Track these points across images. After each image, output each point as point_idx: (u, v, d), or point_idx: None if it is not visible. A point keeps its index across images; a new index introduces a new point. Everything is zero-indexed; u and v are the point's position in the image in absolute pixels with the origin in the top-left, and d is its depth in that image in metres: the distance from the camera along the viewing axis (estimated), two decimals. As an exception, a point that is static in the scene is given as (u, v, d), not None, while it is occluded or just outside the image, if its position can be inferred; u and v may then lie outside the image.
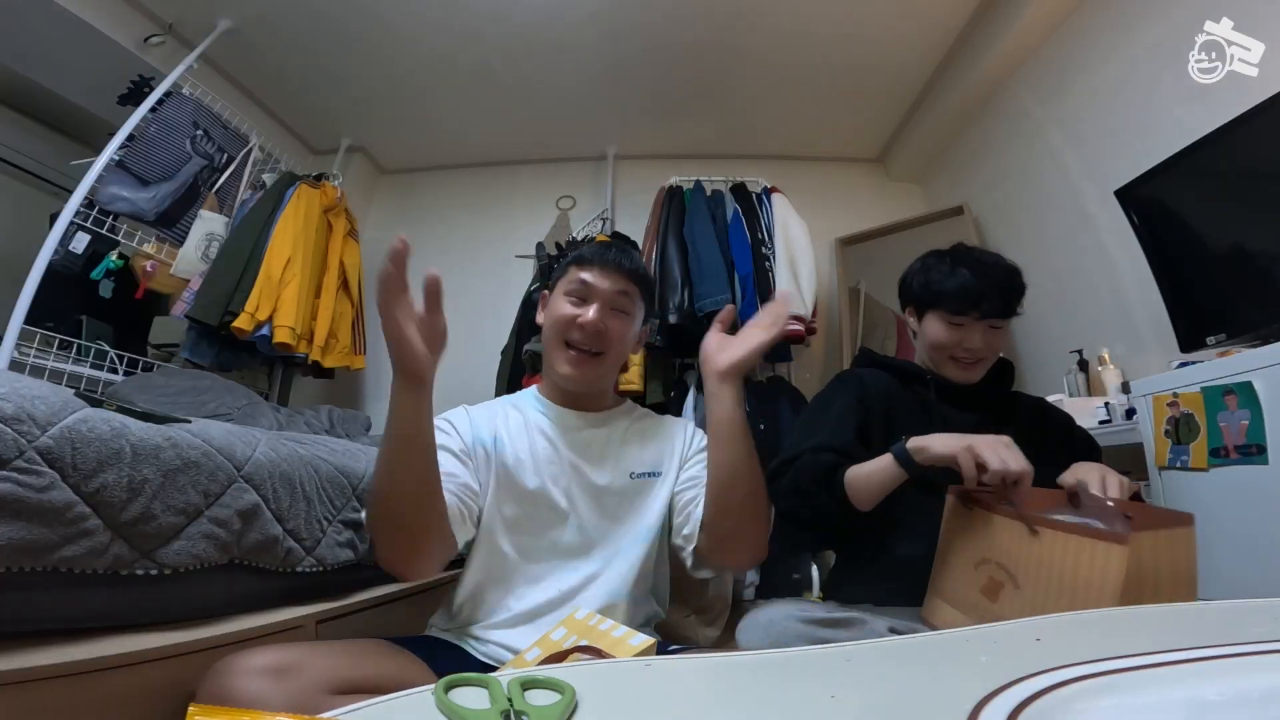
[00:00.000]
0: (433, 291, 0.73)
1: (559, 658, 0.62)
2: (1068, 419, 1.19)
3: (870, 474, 0.93)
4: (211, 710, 0.26)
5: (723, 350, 0.89)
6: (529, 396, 1.06)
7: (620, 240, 2.68)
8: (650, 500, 0.98)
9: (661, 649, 0.77)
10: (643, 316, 1.04)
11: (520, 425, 1.00)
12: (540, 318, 1.05)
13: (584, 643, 0.65)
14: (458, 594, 0.93)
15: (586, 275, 0.98)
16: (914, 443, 0.89)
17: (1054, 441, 1.09)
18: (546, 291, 1.05)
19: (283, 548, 1.02)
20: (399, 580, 1.07)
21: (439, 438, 0.86)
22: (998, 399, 1.15)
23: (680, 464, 1.01)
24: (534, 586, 0.90)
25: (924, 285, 1.12)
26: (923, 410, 1.10)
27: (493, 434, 0.98)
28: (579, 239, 2.85)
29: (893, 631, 0.86)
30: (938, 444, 0.86)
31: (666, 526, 0.99)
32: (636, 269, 1.00)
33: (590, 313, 0.96)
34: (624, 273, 0.99)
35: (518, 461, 0.96)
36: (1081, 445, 1.13)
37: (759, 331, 0.88)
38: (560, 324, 0.98)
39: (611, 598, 0.90)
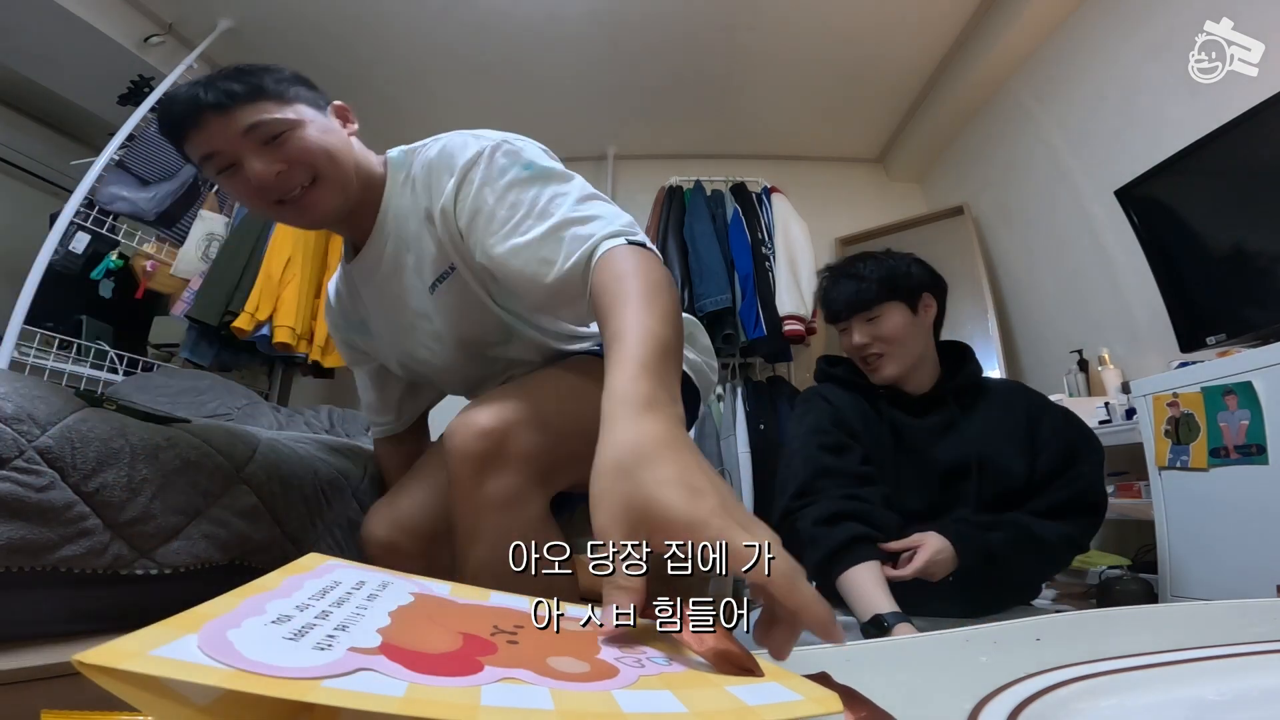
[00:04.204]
0: None
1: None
2: (1039, 411, 1.09)
3: (852, 597, 0.91)
4: (63, 714, 0.25)
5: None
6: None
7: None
8: (467, 298, 0.82)
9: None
10: (307, 102, 0.80)
11: (347, 296, 0.99)
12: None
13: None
14: None
15: (199, 146, 0.74)
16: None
17: (1021, 429, 1.06)
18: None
19: (282, 548, 1.02)
20: None
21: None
22: (954, 396, 1.09)
23: (461, 232, 0.77)
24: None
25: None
26: (879, 419, 1.08)
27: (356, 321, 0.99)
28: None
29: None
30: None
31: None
32: (236, 84, 0.73)
33: (253, 171, 0.72)
34: (227, 105, 0.71)
35: (369, 329, 0.97)
36: (1050, 445, 1.04)
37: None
38: (247, 202, 0.79)
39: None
